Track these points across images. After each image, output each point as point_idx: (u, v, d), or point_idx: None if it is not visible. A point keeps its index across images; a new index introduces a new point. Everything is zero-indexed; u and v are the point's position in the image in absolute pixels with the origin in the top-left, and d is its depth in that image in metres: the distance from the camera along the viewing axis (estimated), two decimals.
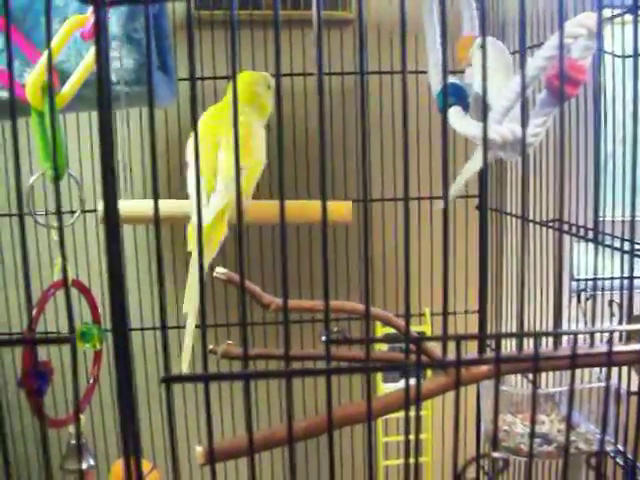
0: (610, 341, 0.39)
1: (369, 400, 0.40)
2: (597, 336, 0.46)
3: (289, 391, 0.39)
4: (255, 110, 0.92)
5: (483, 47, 0.49)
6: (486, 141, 0.51)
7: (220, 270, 0.58)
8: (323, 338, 0.39)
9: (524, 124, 0.48)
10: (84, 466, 0.90)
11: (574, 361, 0.40)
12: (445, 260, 0.44)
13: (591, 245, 1.07)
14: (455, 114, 0.90)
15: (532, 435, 0.50)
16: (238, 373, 0.37)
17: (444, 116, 0.77)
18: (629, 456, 0.70)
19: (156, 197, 0.43)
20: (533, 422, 0.49)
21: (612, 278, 1.08)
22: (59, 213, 0.44)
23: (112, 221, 0.43)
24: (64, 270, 0.41)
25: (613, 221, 1.00)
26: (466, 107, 0.92)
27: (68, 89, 0.79)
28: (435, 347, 0.69)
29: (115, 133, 1.03)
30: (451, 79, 0.93)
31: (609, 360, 0.39)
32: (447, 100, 0.84)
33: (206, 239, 0.79)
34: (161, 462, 1.15)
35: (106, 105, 0.46)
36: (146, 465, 0.95)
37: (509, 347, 0.91)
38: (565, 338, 0.53)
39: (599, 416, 0.76)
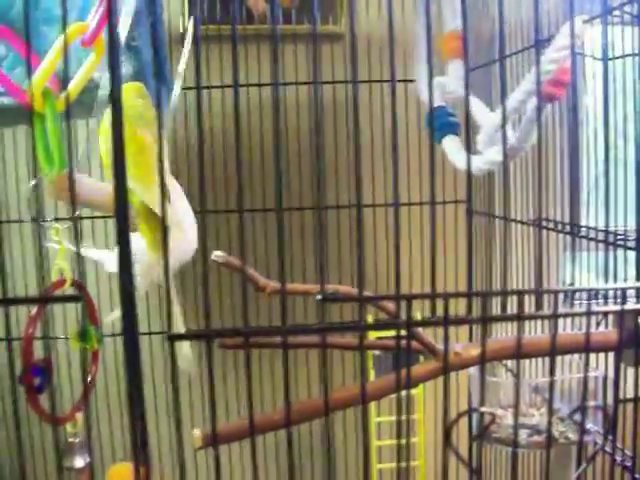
0: (589, 299, 0.42)
1: (363, 358, 0.42)
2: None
3: (285, 349, 0.41)
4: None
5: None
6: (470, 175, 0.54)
7: (218, 253, 0.60)
8: (318, 297, 0.41)
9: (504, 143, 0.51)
10: (81, 464, 0.91)
11: (556, 321, 0.42)
12: (433, 237, 0.47)
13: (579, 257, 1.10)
14: (448, 144, 0.93)
15: (516, 423, 0.52)
16: (239, 329, 0.39)
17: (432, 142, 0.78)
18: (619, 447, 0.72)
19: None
20: (517, 407, 0.51)
21: (596, 289, 1.11)
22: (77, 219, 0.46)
23: (122, 226, 0.45)
24: (77, 247, 0.43)
25: (596, 227, 1.03)
26: (458, 131, 0.95)
27: (68, 93, 0.82)
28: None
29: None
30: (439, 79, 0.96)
31: (588, 320, 0.42)
32: (434, 132, 0.89)
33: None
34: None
35: (118, 106, 0.47)
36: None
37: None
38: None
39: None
